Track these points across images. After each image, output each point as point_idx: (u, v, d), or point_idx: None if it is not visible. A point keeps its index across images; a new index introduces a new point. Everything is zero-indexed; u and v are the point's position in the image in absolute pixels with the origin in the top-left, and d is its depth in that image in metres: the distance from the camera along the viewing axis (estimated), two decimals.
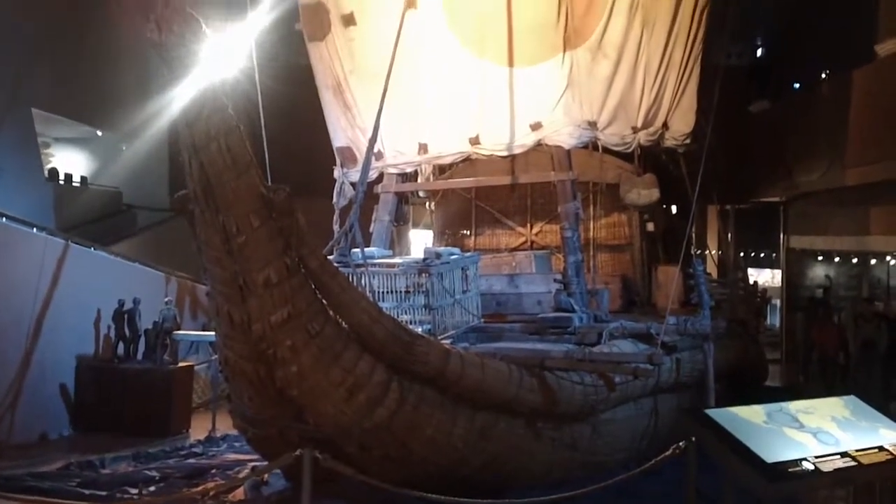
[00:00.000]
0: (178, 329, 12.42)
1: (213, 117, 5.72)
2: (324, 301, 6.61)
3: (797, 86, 20.89)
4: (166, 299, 12.69)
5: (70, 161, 21.21)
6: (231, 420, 8.49)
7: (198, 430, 11.89)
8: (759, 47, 22.54)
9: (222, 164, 5.79)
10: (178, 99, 5.63)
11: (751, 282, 18.70)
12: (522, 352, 9.07)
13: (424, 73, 12.39)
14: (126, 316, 12.00)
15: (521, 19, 11.91)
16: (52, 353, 11.55)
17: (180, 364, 12.23)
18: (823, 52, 18.56)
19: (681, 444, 6.67)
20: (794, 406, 6.77)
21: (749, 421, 6.38)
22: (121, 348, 12.10)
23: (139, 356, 12.13)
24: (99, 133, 21.04)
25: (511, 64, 12.02)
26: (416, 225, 16.77)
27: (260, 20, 11.64)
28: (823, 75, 19.02)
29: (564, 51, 11.84)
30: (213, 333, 8.13)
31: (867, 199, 15.67)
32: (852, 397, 7.24)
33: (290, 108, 14.65)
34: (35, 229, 12.19)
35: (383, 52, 11.33)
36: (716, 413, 6.48)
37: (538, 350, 9.26)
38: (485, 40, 12.12)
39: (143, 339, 12.12)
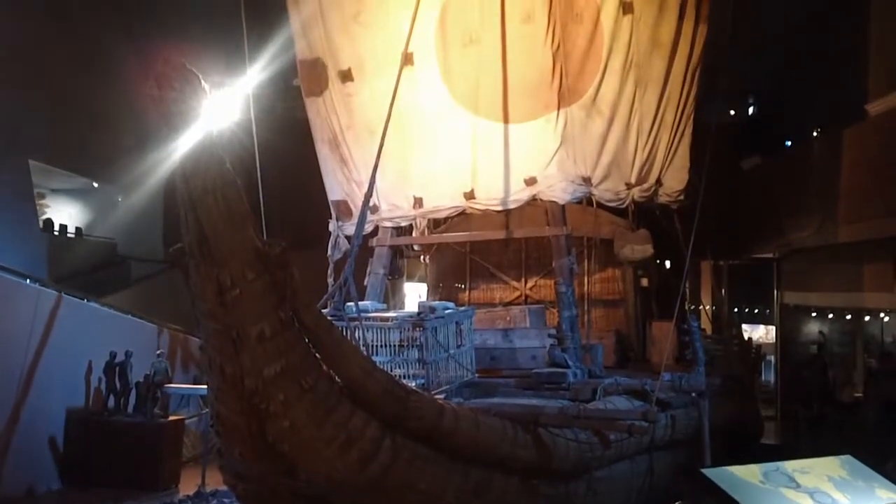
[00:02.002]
0: (170, 382, 12.33)
1: (210, 171, 5.73)
2: (317, 355, 6.58)
3: (789, 143, 21.12)
4: (158, 352, 12.62)
5: (65, 212, 21.24)
6: (221, 475, 8.36)
7: (187, 486, 11.73)
8: (751, 105, 22.84)
9: (218, 218, 5.79)
10: (175, 152, 5.66)
11: (745, 338, 18.69)
12: (517, 407, 8.99)
13: (420, 128, 12.55)
14: (117, 368, 11.92)
15: (516, 77, 12.10)
16: (43, 405, 11.43)
17: (171, 418, 12.12)
18: (815, 109, 18.80)
19: (677, 503, 6.60)
20: (791, 465, 6.72)
21: (745, 480, 6.33)
22: (111, 401, 12.00)
23: (130, 409, 12.01)
24: (95, 185, 21.12)
25: (506, 120, 12.18)
26: (410, 278, 16.79)
27: (258, 75, 11.82)
28: (815, 133, 19.23)
29: (559, 108, 12.02)
30: (204, 387, 8.07)
31: (860, 256, 15.73)
32: (848, 457, 7.19)
33: (286, 161, 14.78)
34: (28, 280, 12.15)
35: (380, 107, 11.45)
36: (712, 472, 6.43)
37: (533, 406, 9.18)
38: (480, 97, 12.30)
39: (134, 392, 12.02)
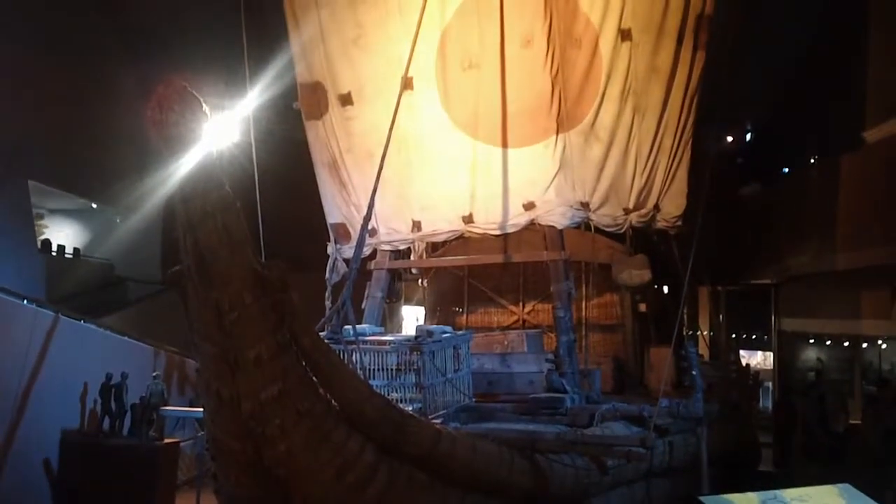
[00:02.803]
0: (166, 404, 12.26)
1: (209, 194, 5.74)
2: (314, 379, 6.56)
3: (786, 170, 21.19)
4: (154, 374, 12.55)
5: (63, 233, 21.24)
6: (216, 499, 8.31)
7: None
8: (748, 132, 22.92)
9: (217, 241, 5.79)
10: (174, 174, 5.67)
11: (742, 364, 18.65)
12: (514, 433, 8.97)
13: (419, 152, 12.60)
14: (113, 390, 11.84)
15: (515, 103, 12.15)
16: (37, 426, 11.35)
17: (166, 440, 12.03)
18: (812, 137, 18.88)
19: None
20: (789, 494, 6.69)
21: None
22: (106, 423, 11.91)
23: (125, 431, 11.93)
24: (94, 206, 21.13)
25: (504, 145, 12.22)
26: (408, 301, 16.77)
27: (258, 97, 11.88)
28: (812, 160, 19.30)
29: (557, 133, 12.06)
30: (200, 410, 8.03)
31: (857, 283, 15.73)
32: (847, 485, 7.15)
33: (285, 183, 14.80)
34: (25, 301, 12.12)
35: (379, 131, 11.50)
36: (710, 500, 6.40)
37: (529, 431, 9.16)
38: (479, 122, 12.35)
39: (129, 415, 11.94)
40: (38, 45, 17.11)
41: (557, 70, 12.02)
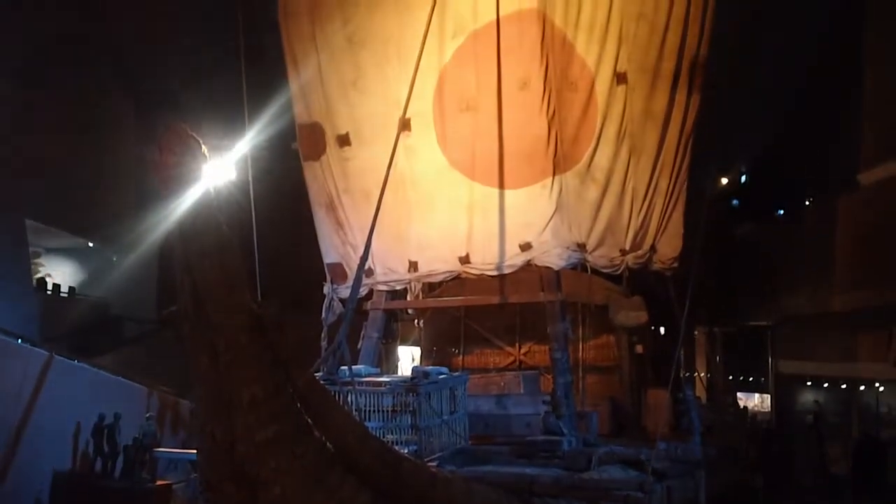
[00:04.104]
0: (158, 445, 12.14)
1: (207, 234, 5.74)
2: (310, 420, 6.50)
3: (781, 211, 21.30)
4: (147, 415, 12.45)
5: (59, 271, 21.20)
6: None
7: None
8: (743, 173, 23.08)
9: (214, 281, 5.78)
10: (171, 214, 5.67)
11: (740, 406, 18.58)
12: (510, 476, 8.90)
13: (416, 193, 12.64)
14: (106, 431, 11.74)
15: (512, 144, 12.22)
16: (29, 467, 11.24)
17: (158, 482, 11.89)
18: (807, 178, 19.01)
19: None
20: None
21: None
22: (99, 464, 11.79)
23: (117, 473, 11.79)
24: (90, 244, 21.12)
25: (501, 186, 12.25)
26: (404, 341, 16.72)
27: (257, 137, 11.96)
28: (807, 202, 19.41)
29: (554, 175, 12.10)
30: (193, 451, 7.96)
31: (854, 325, 15.73)
32: None
33: (282, 223, 14.83)
34: (19, 340, 12.07)
35: (377, 172, 11.53)
36: None
37: (526, 475, 9.08)
38: (476, 164, 12.40)
39: (122, 456, 11.82)
40: (36, 84, 17.21)
41: (554, 112, 12.10)
